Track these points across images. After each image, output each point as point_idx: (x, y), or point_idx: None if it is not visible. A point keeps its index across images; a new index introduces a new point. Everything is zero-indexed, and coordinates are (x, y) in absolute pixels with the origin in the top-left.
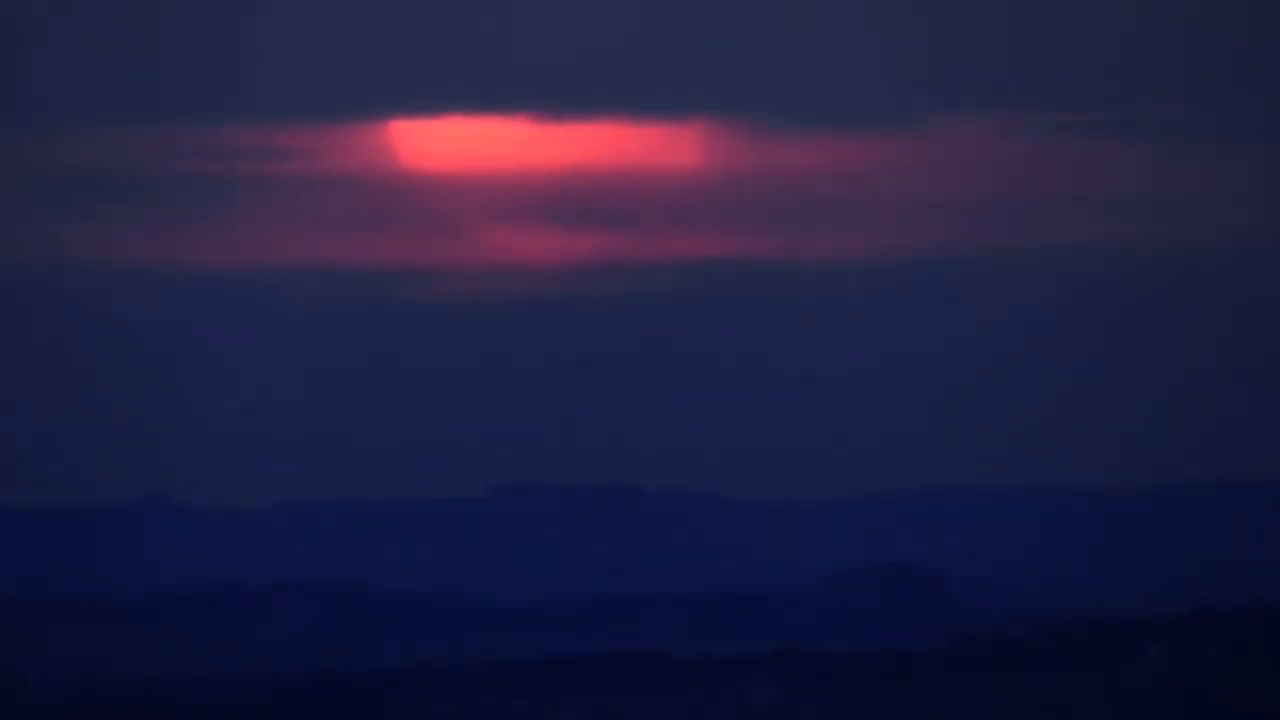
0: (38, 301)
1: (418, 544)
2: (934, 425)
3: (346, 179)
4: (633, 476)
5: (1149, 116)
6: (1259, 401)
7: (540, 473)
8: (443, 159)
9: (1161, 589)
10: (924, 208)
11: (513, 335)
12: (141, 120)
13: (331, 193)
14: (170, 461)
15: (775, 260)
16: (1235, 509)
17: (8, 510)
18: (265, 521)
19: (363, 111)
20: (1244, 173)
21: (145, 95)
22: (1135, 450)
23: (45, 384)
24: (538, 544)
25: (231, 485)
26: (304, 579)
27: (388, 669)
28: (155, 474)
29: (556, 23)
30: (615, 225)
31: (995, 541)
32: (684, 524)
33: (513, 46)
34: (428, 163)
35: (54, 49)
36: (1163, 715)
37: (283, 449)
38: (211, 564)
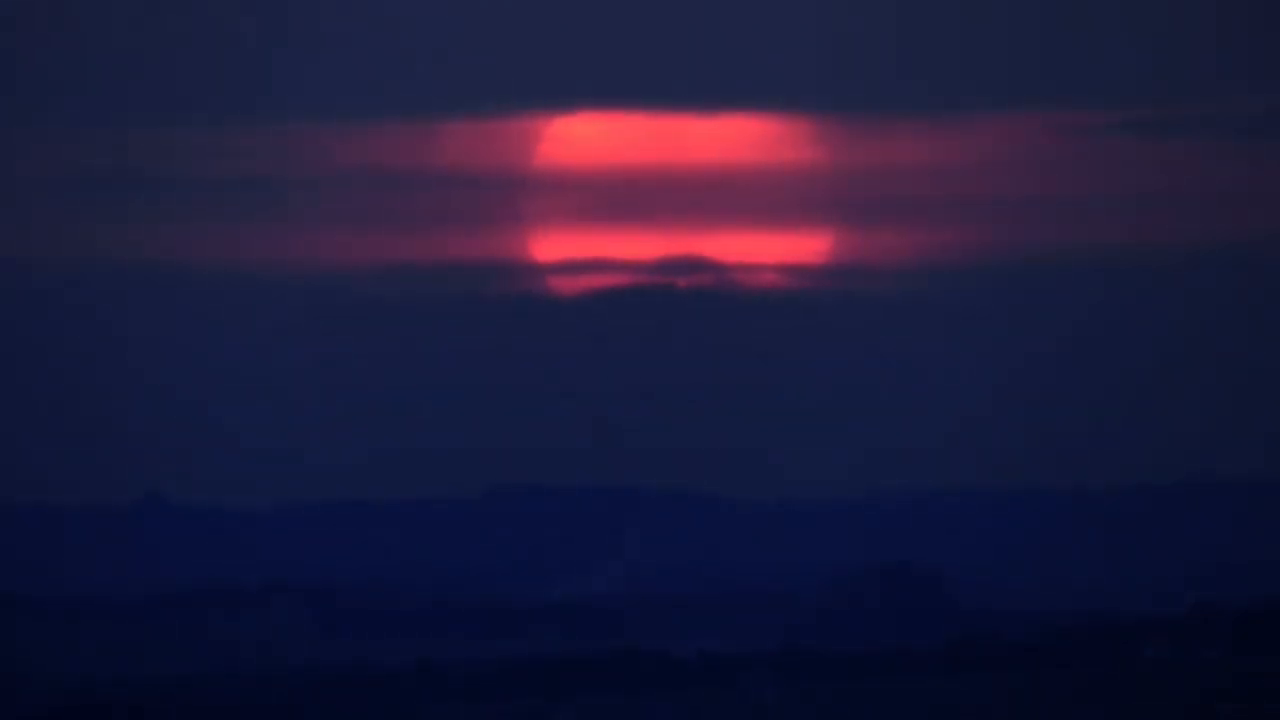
0: (38, 301)
1: (418, 544)
2: (934, 425)
3: (364, 177)
4: (633, 476)
5: (1200, 113)
6: (1259, 401)
7: (540, 473)
8: (513, 157)
9: (1161, 589)
10: (940, 208)
11: (514, 335)
12: (156, 120)
13: (340, 191)
14: (169, 461)
15: (778, 263)
16: (1235, 509)
17: (8, 510)
18: (265, 521)
19: (422, 111)
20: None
21: (187, 94)
22: (1135, 450)
23: (45, 384)
24: (537, 544)
25: (231, 485)
26: (304, 579)
27: (388, 669)
28: (154, 474)
29: (627, 22)
30: (627, 223)
31: (995, 541)
32: (684, 524)
33: (587, 43)
34: (493, 161)
35: (60, 48)
36: (1163, 715)
37: (282, 449)
38: (211, 564)
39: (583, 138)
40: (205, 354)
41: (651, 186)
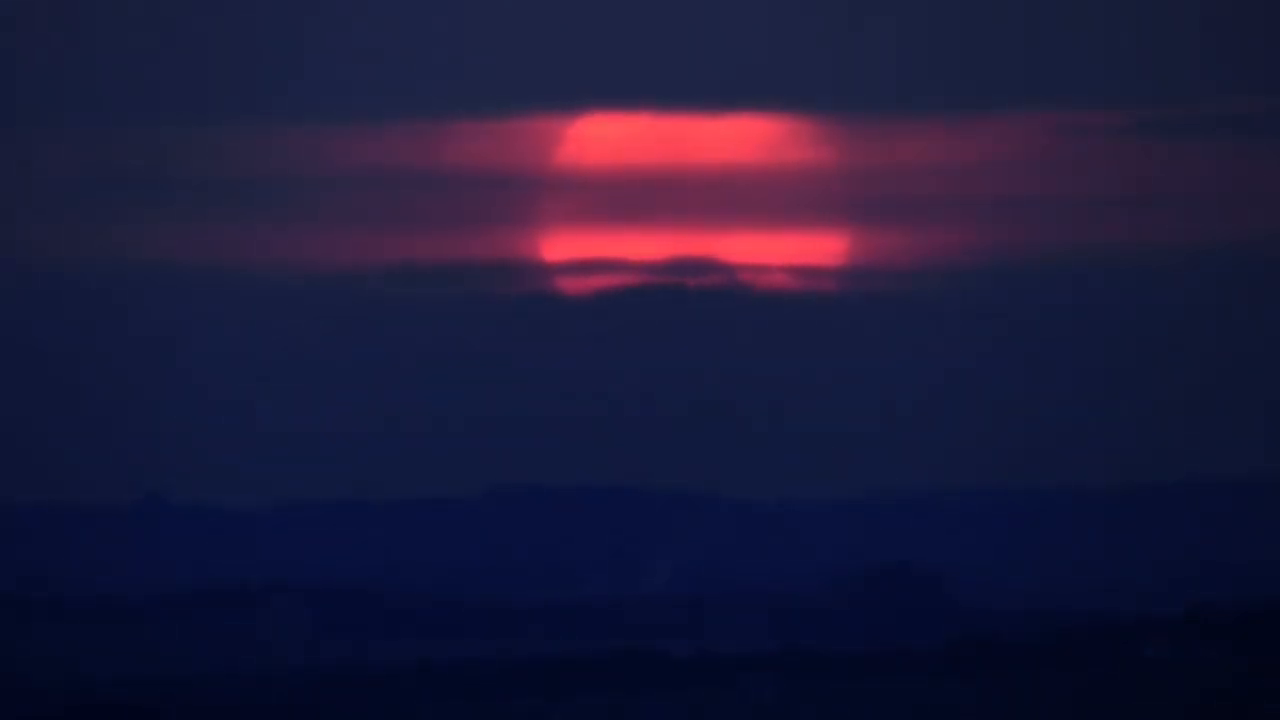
0: (37, 301)
1: (418, 544)
2: (934, 425)
3: (369, 178)
4: (633, 476)
5: (1221, 112)
6: (1259, 401)
7: (540, 473)
8: (517, 157)
9: (1161, 589)
10: (946, 208)
11: (515, 334)
12: (164, 119)
13: (345, 192)
14: (170, 461)
15: (787, 263)
16: (1235, 509)
17: (8, 510)
18: (265, 521)
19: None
20: None
21: (195, 93)
22: (1135, 450)
23: (45, 384)
24: (537, 544)
25: (231, 485)
26: (304, 579)
27: (388, 669)
28: (155, 474)
29: (633, 21)
30: (627, 222)
31: (995, 541)
32: (684, 524)
33: (595, 43)
34: (500, 161)
35: (59, 49)
36: (1163, 715)
37: (283, 449)
38: (211, 564)
39: (591, 138)
40: (205, 354)
41: (660, 187)
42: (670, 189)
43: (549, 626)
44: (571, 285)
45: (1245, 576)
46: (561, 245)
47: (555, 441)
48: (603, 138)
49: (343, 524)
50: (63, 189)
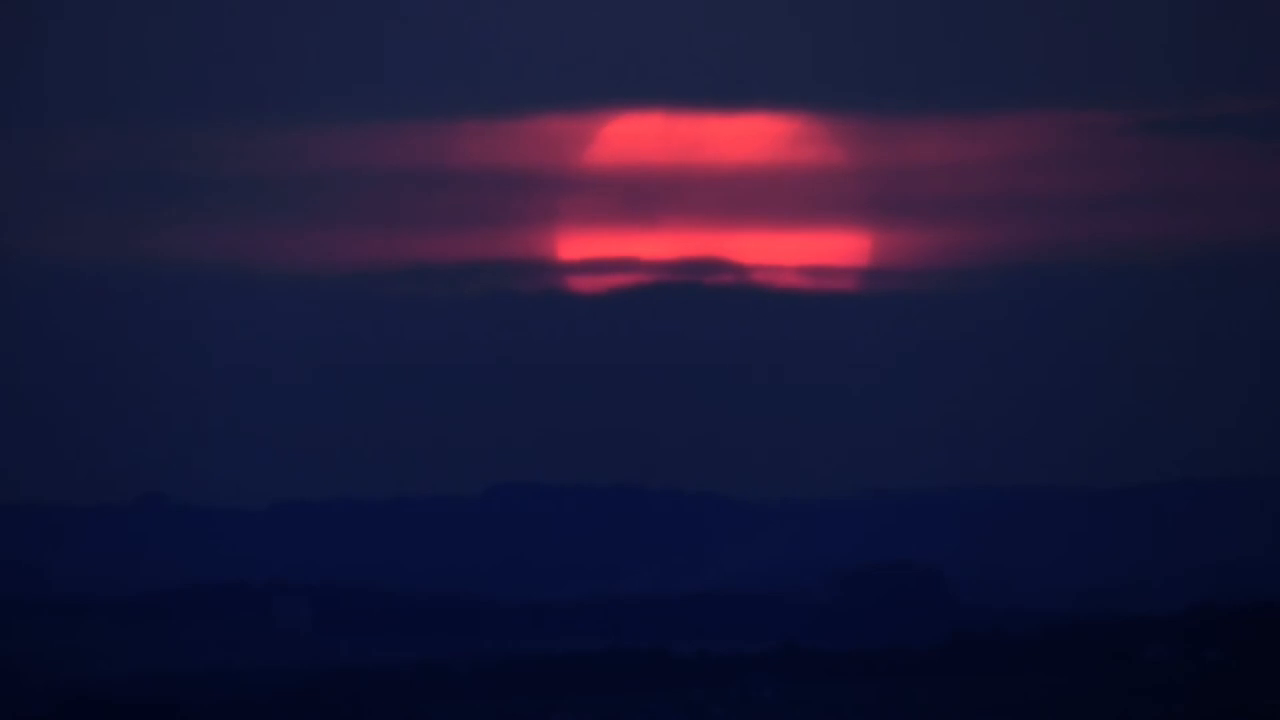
0: (37, 300)
1: (418, 544)
2: (934, 425)
3: (385, 177)
4: (634, 476)
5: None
6: (1259, 401)
7: (540, 473)
8: (532, 157)
9: (1161, 589)
10: (957, 207)
11: (516, 334)
12: (167, 118)
13: (358, 191)
14: (170, 461)
15: (800, 263)
16: (1235, 509)
17: (8, 510)
18: (265, 521)
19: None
20: None
21: (204, 92)
22: (1137, 450)
23: (46, 384)
24: (538, 544)
25: (231, 485)
26: (304, 579)
27: (388, 669)
28: (155, 474)
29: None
30: (632, 223)
31: (995, 541)
32: (684, 524)
33: (610, 43)
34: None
35: (63, 48)
36: (1162, 715)
37: (283, 449)
38: (211, 564)
39: (605, 137)
40: (207, 354)
41: (673, 186)
42: (684, 188)
43: (549, 626)
44: (584, 284)
45: (1245, 576)
46: (575, 244)
47: (555, 441)
48: (617, 137)
49: (343, 524)
50: (62, 189)
